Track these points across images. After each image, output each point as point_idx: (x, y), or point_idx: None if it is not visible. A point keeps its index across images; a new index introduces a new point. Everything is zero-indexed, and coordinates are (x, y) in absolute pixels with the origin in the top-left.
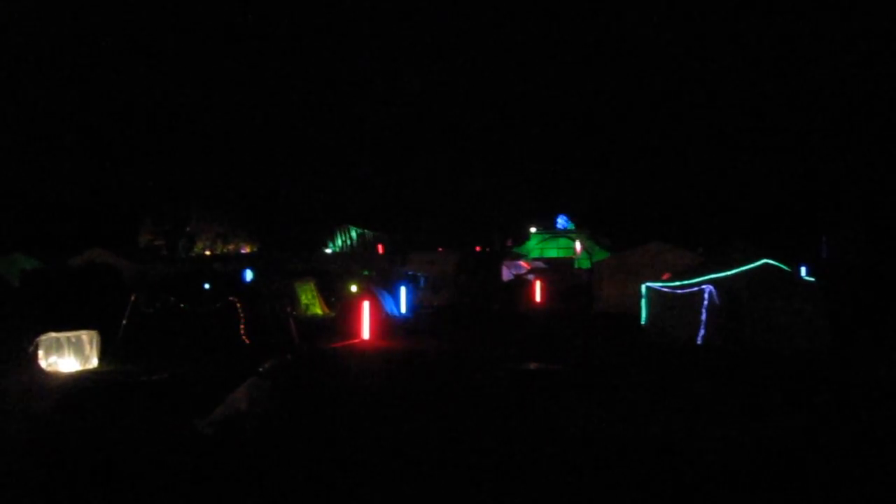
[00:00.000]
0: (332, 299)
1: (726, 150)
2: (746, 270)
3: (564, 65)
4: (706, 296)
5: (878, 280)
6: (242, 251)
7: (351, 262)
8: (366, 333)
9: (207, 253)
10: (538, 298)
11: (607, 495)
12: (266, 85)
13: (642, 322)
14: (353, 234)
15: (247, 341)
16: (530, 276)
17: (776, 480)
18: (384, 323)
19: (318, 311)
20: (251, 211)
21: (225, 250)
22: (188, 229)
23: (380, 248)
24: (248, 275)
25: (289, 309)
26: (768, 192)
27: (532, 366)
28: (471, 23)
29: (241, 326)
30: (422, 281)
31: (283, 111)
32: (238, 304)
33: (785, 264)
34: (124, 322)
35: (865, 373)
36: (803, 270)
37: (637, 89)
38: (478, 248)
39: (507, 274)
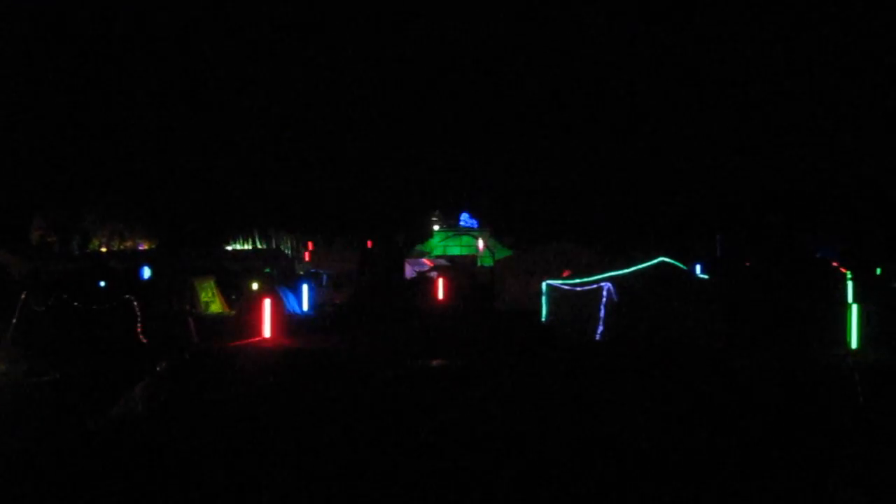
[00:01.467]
0: (233, 297)
1: (624, 150)
2: (644, 268)
3: (467, 60)
4: (605, 293)
5: (767, 278)
6: (140, 248)
7: (254, 260)
8: (267, 332)
9: (104, 249)
10: (441, 296)
11: (511, 488)
12: (165, 81)
13: (543, 319)
14: (256, 235)
15: (143, 340)
16: (433, 274)
17: (670, 469)
18: (286, 321)
19: (219, 309)
20: (150, 207)
21: (122, 247)
22: (83, 224)
23: (309, 246)
24: (146, 272)
25: (187, 307)
26: (665, 191)
27: (434, 362)
28: (376, 14)
29: (138, 325)
30: (324, 278)
31: (182, 107)
32: (134, 303)
33: (681, 262)
34: (14, 321)
35: (757, 365)
36: (698, 268)
37: (537, 88)
38: (369, 244)
39: (409, 271)
